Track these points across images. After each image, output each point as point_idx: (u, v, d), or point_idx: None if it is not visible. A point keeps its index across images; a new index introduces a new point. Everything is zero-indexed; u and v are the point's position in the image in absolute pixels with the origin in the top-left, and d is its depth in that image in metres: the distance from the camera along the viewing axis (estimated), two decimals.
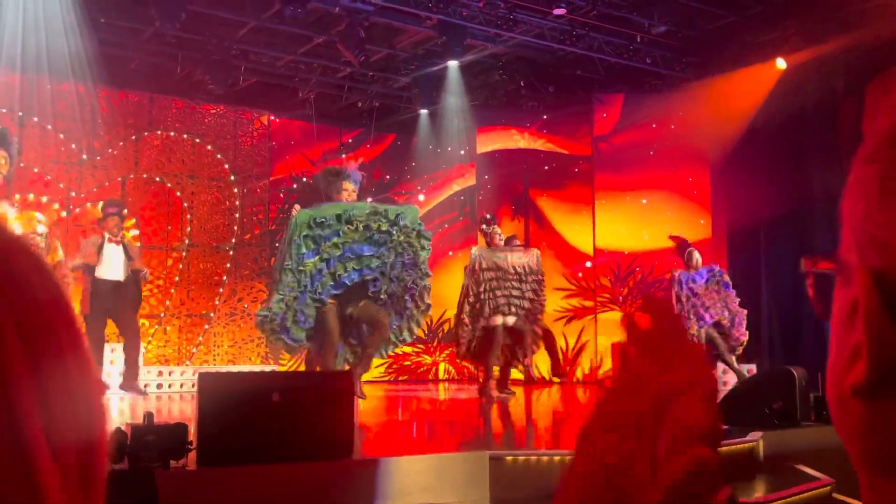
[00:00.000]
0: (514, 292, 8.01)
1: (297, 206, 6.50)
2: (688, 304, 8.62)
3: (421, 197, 13.38)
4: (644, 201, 11.95)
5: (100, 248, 7.58)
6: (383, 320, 6.18)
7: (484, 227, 8.61)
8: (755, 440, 4.67)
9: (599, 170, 12.16)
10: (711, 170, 11.68)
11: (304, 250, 6.04)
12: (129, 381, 7.67)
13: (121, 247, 7.69)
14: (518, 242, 9.17)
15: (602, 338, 11.86)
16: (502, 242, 8.48)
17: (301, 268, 6.00)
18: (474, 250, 8.32)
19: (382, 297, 6.30)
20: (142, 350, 10.20)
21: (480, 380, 9.00)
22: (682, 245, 9.06)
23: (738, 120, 10.79)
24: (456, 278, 10.29)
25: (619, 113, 12.16)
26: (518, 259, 8.13)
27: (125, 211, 8.10)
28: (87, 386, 0.51)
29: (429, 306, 6.51)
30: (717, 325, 8.65)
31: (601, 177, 12.14)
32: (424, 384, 12.03)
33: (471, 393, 10.08)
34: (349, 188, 6.41)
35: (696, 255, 8.90)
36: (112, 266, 7.59)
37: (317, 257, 6.05)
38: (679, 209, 11.78)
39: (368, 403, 6.43)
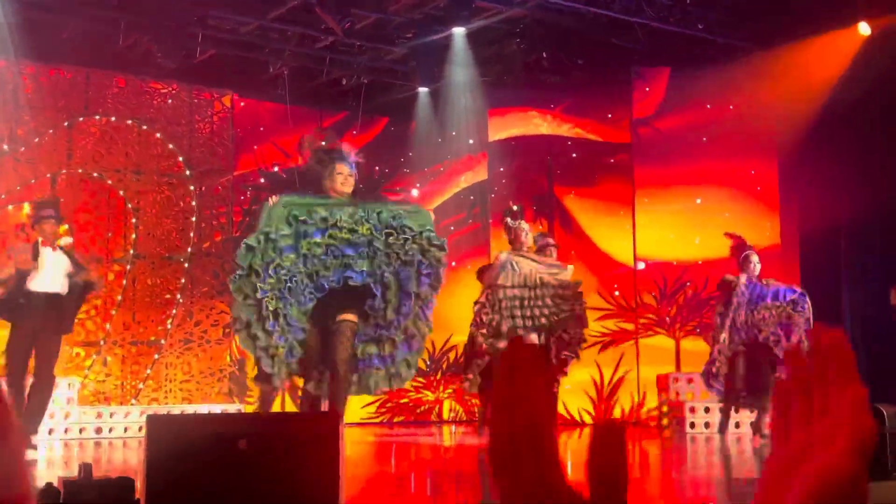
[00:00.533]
0: (538, 304, 8.11)
1: (273, 198, 6.52)
2: (733, 314, 8.76)
3: (414, 192, 13.40)
4: (698, 200, 11.96)
5: (35, 254, 7.56)
6: (342, 355, 6.14)
7: (508, 220, 8.64)
8: None
9: (640, 161, 12.17)
10: (780, 160, 11.69)
11: (282, 245, 6.12)
12: (28, 426, 7.39)
13: (58, 252, 7.69)
14: (553, 243, 9.20)
15: (645, 368, 11.85)
16: (529, 241, 8.53)
17: (280, 262, 6.08)
18: (503, 256, 8.38)
19: (385, 315, 6.30)
20: (76, 386, 10.22)
21: (482, 415, 9.05)
22: (739, 246, 9.12)
23: (813, 98, 10.79)
24: (463, 295, 10.29)
25: (663, 91, 12.17)
26: (550, 274, 8.19)
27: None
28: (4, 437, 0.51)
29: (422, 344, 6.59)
30: (759, 345, 8.74)
31: (643, 170, 12.15)
32: (426, 427, 12.03)
33: (483, 438, 10.06)
34: (344, 172, 6.49)
35: (755, 260, 9.02)
36: (49, 276, 7.59)
37: (293, 254, 6.14)
38: (739, 209, 11.78)
39: (357, 451, 6.43)
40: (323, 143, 6.93)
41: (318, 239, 6.20)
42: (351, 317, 6.20)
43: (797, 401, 0.68)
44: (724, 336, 8.79)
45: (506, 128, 13.14)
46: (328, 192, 6.48)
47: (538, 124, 12.98)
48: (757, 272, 9.01)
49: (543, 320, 8.22)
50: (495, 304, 8.17)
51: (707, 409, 10.34)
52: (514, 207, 8.77)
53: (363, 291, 6.23)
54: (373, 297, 6.22)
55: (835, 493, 0.61)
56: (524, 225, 8.70)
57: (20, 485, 0.53)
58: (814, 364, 0.67)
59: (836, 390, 0.65)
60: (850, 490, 0.61)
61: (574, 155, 12.73)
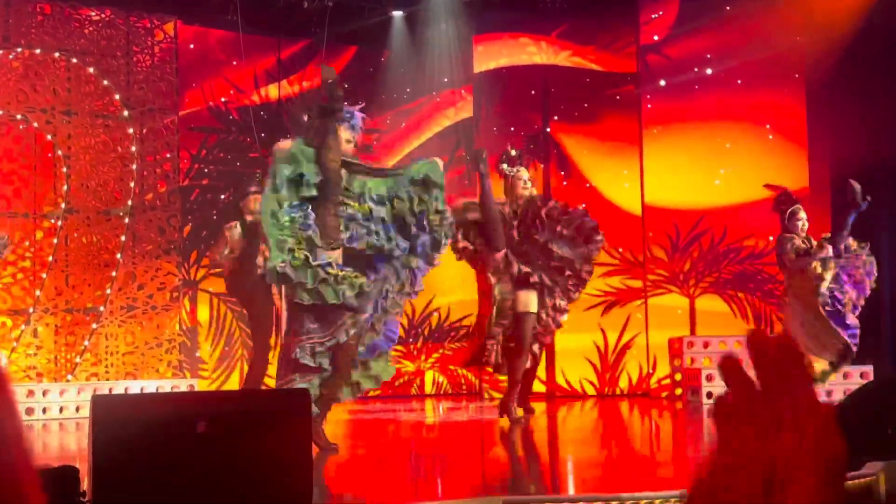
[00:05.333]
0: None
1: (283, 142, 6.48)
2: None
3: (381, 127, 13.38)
4: (717, 140, 11.98)
5: None
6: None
7: (505, 167, 8.59)
8: (873, 474, 4.75)
9: (649, 94, 12.17)
10: (808, 92, 11.71)
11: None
12: None
13: None
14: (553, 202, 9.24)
15: (655, 332, 11.95)
16: (526, 194, 8.51)
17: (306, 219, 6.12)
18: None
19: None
20: (2, 360, 10.23)
21: (496, 394, 9.14)
22: (783, 199, 9.15)
23: (847, 20, 10.80)
24: (447, 253, 10.32)
25: (675, 12, 12.15)
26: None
27: None
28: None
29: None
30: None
31: (651, 104, 12.16)
32: (406, 401, 12.12)
33: (471, 413, 10.16)
34: (346, 137, 6.44)
35: (803, 216, 9.10)
36: None
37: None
38: (763, 148, 11.83)
39: (329, 431, 6.49)
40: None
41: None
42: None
43: (744, 416, 0.68)
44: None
45: (494, 57, 13.09)
46: (324, 152, 6.42)
47: (531, 53, 12.94)
48: (806, 229, 9.09)
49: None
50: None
51: None
52: (513, 152, 8.70)
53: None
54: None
55: None
56: (523, 173, 8.63)
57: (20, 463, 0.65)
58: (760, 374, 0.68)
59: (789, 403, 0.66)
60: None
61: (573, 91, 12.70)
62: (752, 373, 0.69)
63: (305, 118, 6.64)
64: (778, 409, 0.67)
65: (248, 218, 8.95)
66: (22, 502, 0.66)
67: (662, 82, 12.13)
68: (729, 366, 0.70)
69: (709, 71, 11.99)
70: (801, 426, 0.65)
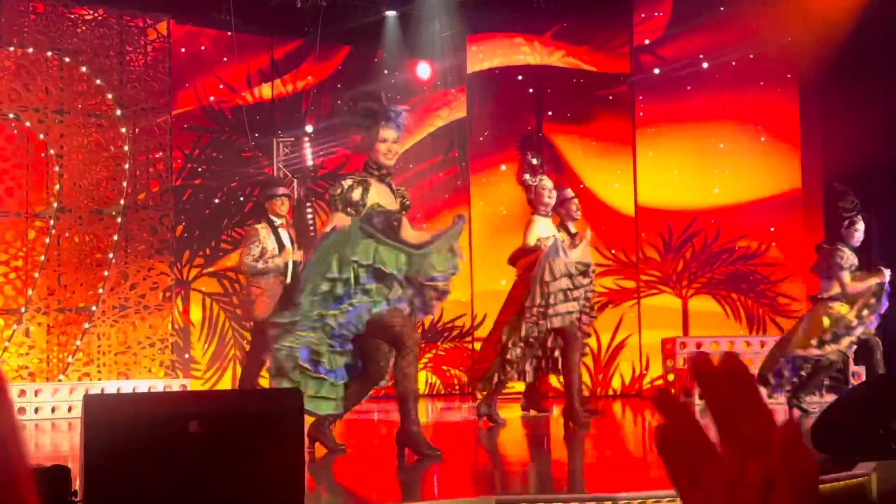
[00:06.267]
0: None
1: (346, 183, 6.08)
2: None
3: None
4: (714, 140, 11.99)
5: None
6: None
7: (527, 178, 8.28)
8: (866, 474, 4.75)
9: (643, 94, 12.18)
10: (801, 92, 11.73)
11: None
12: None
13: None
14: (576, 209, 9.10)
15: (648, 332, 11.97)
16: (552, 202, 8.33)
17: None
18: (549, 239, 8.14)
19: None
20: None
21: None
22: (846, 205, 8.65)
23: (840, 21, 10.81)
24: None
25: (669, 12, 12.16)
26: (579, 255, 8.14)
27: None
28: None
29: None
30: None
31: (644, 104, 12.17)
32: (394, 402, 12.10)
33: (464, 413, 10.17)
34: (390, 138, 6.03)
35: (860, 227, 8.59)
36: None
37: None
38: (756, 149, 11.85)
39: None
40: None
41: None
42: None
43: (691, 445, 0.68)
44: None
45: (487, 57, 13.09)
46: (367, 160, 6.11)
47: (524, 53, 12.94)
48: (860, 239, 8.59)
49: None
50: (544, 297, 8.01)
51: None
52: (534, 161, 8.37)
53: None
54: None
55: None
56: (547, 182, 8.39)
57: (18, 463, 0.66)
58: (708, 398, 0.67)
59: (746, 422, 0.65)
60: None
61: (567, 91, 12.71)
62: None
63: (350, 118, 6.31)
64: (737, 437, 0.66)
65: (277, 221, 8.31)
66: (18, 502, 0.66)
67: (655, 83, 12.14)
68: (661, 398, 0.70)
69: (702, 70, 12.00)
70: (764, 450, 0.64)
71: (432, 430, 8.77)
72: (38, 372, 10.83)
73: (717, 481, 0.66)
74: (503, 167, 12.57)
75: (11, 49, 10.92)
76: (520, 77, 12.96)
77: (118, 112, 11.34)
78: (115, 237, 11.21)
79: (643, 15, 12.28)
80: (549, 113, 12.88)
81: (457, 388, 13.09)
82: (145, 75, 11.66)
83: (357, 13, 12.92)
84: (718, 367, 0.67)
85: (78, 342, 10.97)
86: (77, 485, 3.40)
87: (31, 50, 10.99)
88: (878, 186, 11.04)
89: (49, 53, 11.07)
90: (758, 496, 0.63)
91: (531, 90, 12.97)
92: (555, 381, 9.37)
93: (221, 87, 12.65)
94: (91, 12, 11.41)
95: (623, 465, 6.22)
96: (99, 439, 3.27)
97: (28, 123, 10.94)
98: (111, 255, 11.15)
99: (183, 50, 12.39)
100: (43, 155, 11.11)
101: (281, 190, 8.54)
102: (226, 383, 11.85)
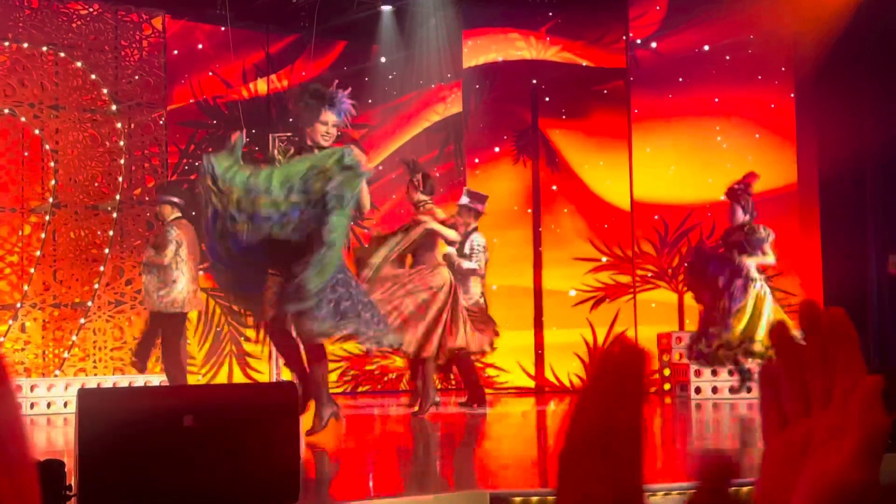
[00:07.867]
0: None
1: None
2: None
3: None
4: (706, 135, 11.98)
5: None
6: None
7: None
8: None
9: (639, 89, 12.17)
10: (797, 88, 11.72)
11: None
12: None
13: None
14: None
15: (644, 328, 11.96)
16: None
17: None
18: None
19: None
20: None
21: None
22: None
23: (836, 15, 10.81)
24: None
25: (665, 7, 12.15)
26: None
27: None
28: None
29: None
30: None
31: (640, 99, 12.16)
32: (395, 396, 12.12)
33: (459, 408, 10.17)
34: (330, 121, 6.42)
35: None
36: None
37: None
38: (752, 144, 11.83)
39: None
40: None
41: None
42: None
43: (790, 388, 0.69)
44: None
45: (482, 52, 13.08)
46: (307, 136, 6.49)
47: (520, 48, 12.93)
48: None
49: None
50: None
51: (714, 372, 10.45)
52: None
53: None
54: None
55: (843, 500, 0.62)
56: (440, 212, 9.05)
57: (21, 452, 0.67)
58: (810, 347, 0.68)
59: (839, 378, 0.66)
60: (859, 498, 0.62)
61: (562, 86, 12.70)
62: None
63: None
64: (828, 382, 0.66)
65: None
66: (19, 494, 0.66)
67: (651, 78, 12.13)
68: (779, 332, 0.70)
69: (698, 65, 11.99)
70: (848, 399, 0.65)
71: (428, 423, 8.76)
72: (33, 367, 10.82)
73: (799, 435, 0.67)
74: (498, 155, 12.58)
75: (6, 44, 10.90)
76: (516, 72, 12.94)
77: (113, 107, 11.33)
78: (111, 232, 11.20)
79: (639, 10, 12.26)
80: (545, 109, 12.86)
81: (452, 382, 13.08)
82: (141, 70, 11.65)
83: (352, 8, 12.90)
84: (825, 316, 0.67)
85: (74, 337, 10.96)
86: (71, 479, 3.38)
87: (26, 45, 10.97)
88: (872, 179, 11.05)
89: (44, 48, 11.05)
90: (822, 442, 0.64)
91: (527, 85, 12.96)
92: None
93: (219, 84, 12.63)
94: (86, 7, 11.39)
95: None
96: (93, 433, 3.26)
97: (23, 119, 10.92)
98: (107, 251, 11.14)
99: (177, 48, 12.37)
100: (38, 151, 11.09)
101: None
102: (222, 379, 11.83)
